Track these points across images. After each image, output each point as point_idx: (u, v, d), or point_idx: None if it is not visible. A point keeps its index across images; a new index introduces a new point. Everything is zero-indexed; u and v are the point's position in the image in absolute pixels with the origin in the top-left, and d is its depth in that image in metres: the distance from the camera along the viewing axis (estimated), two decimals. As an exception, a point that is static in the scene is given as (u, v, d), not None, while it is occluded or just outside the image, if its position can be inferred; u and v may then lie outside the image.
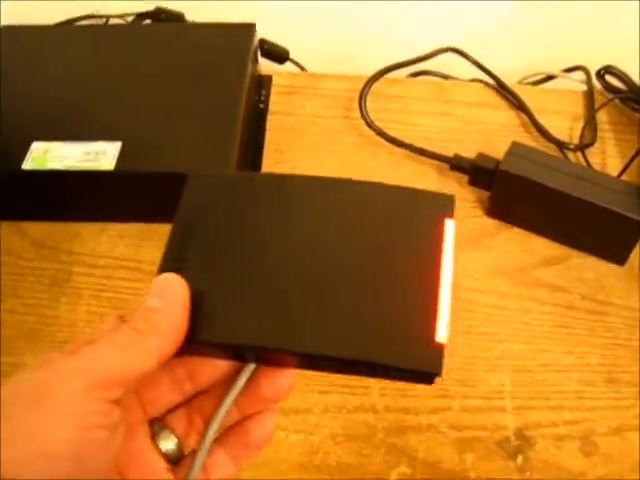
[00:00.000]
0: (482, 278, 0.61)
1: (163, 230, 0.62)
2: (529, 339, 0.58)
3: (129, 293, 0.60)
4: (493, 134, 0.71)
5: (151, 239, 0.63)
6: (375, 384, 0.55)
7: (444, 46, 0.74)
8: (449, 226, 0.35)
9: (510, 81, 0.78)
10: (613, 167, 0.68)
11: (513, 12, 0.81)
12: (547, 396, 0.55)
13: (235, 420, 0.36)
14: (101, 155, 0.59)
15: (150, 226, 0.64)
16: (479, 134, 0.71)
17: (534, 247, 0.63)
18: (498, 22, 0.81)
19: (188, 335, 0.32)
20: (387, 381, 0.54)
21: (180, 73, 0.67)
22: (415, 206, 0.36)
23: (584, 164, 0.68)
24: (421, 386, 0.47)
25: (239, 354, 0.35)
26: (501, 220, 0.64)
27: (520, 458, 0.52)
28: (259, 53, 0.75)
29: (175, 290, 0.32)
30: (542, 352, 0.57)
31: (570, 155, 0.69)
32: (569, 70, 0.78)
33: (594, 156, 0.69)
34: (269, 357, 0.35)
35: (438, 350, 0.32)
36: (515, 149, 0.62)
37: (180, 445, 0.36)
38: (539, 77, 0.79)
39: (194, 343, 0.33)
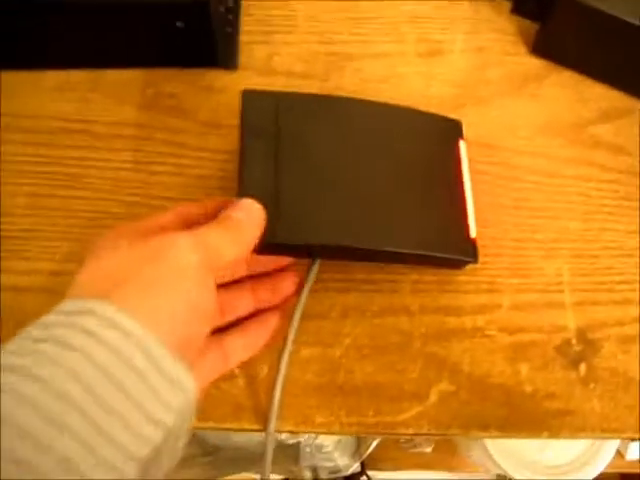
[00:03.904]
0: (530, 136, 0.48)
1: (112, 79, 0.46)
2: (589, 215, 0.47)
3: (77, 165, 0.46)
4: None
5: (99, 90, 0.48)
6: (406, 277, 0.44)
7: None
8: (463, 147, 0.44)
9: None
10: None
11: None
12: (612, 287, 0.45)
13: (250, 311, 0.41)
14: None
15: (95, 73, 0.48)
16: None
17: (590, 96, 0.50)
18: None
19: (266, 237, 0.37)
20: (420, 273, 0.44)
21: None
22: (435, 129, 0.45)
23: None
24: (463, 278, 0.45)
25: (308, 252, 0.41)
26: (550, 60, 0.51)
27: (583, 366, 0.43)
28: None
29: (256, 215, 0.37)
30: (604, 232, 0.46)
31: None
32: None
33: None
34: (335, 253, 0.42)
35: (474, 243, 0.42)
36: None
37: None
38: None
39: (275, 243, 0.38)
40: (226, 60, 0.48)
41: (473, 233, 0.42)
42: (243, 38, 0.49)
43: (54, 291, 0.42)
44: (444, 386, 0.42)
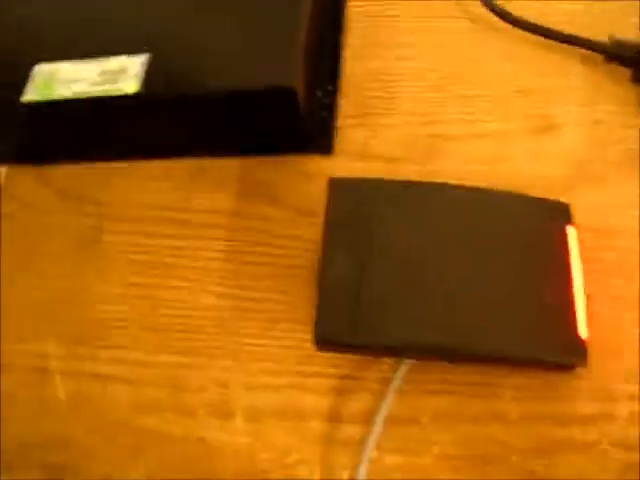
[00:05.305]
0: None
1: (210, 167, 0.46)
2: None
3: (172, 255, 0.46)
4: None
5: (202, 180, 0.48)
6: (506, 381, 0.39)
7: None
8: (571, 233, 0.40)
9: None
10: None
11: None
12: None
13: None
14: (121, 75, 0.44)
15: (201, 162, 0.49)
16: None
17: None
18: None
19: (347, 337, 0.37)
20: (524, 376, 0.39)
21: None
22: (539, 214, 0.41)
23: None
24: (574, 384, 0.40)
25: (395, 352, 0.39)
26: (682, 132, 0.45)
27: None
28: None
29: None
30: None
31: None
32: None
33: None
34: (425, 354, 0.39)
35: (582, 343, 0.37)
36: None
37: None
38: None
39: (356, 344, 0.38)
40: (320, 146, 0.47)
41: (583, 331, 0.38)
42: (339, 121, 0.48)
43: (137, 382, 0.42)
44: (547, 509, 0.37)
